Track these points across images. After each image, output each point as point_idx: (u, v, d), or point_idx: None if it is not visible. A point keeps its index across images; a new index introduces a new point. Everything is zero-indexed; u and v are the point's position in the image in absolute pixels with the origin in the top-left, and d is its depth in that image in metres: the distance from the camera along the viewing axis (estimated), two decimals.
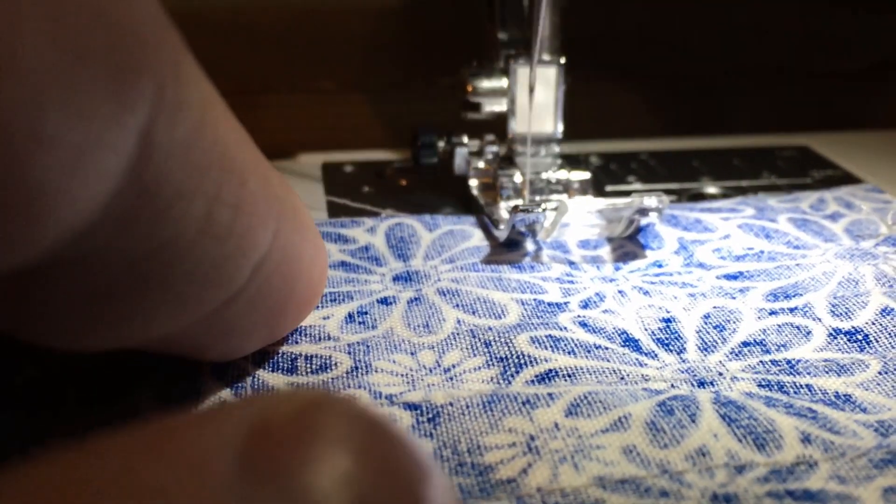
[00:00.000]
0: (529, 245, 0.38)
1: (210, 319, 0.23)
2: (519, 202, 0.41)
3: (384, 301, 0.34)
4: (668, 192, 0.45)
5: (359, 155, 0.51)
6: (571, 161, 0.45)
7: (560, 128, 0.42)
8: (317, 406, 0.14)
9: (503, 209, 0.41)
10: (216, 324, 0.24)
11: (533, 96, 0.39)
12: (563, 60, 0.41)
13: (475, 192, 0.43)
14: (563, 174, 0.42)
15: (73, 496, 0.12)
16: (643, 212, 0.37)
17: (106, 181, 0.17)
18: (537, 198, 0.41)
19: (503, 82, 0.42)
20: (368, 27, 0.53)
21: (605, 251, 0.38)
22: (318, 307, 0.33)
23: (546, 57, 0.41)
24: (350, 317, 0.33)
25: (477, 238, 0.39)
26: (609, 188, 0.46)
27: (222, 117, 0.21)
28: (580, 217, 0.37)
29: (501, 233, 0.38)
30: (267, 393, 0.14)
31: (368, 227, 0.40)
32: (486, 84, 0.42)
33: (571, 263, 0.37)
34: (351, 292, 0.35)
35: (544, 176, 0.42)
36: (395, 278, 0.36)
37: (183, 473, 0.12)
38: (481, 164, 0.43)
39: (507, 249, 0.38)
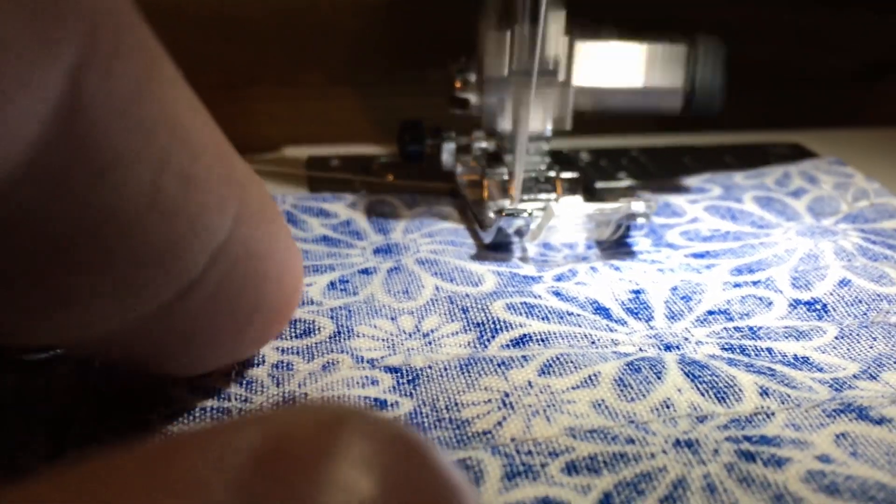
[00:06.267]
0: (516, 250, 0.38)
1: (163, 316, 0.21)
2: (506, 203, 0.40)
3: (365, 271, 0.35)
4: (657, 188, 0.44)
5: (345, 149, 0.50)
6: (561, 157, 0.44)
7: (549, 126, 0.40)
8: (340, 423, 0.13)
9: (490, 211, 0.40)
10: (171, 323, 0.22)
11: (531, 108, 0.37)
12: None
13: (462, 188, 0.42)
14: (552, 172, 0.41)
15: None
16: (631, 217, 0.36)
17: (27, 126, 0.15)
18: (525, 198, 0.40)
19: None
20: (356, 20, 0.53)
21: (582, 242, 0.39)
22: None
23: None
24: (332, 284, 0.34)
25: (455, 218, 0.40)
26: (599, 185, 0.45)
27: (171, 81, 0.19)
28: (568, 221, 0.37)
29: (488, 235, 0.38)
30: (289, 405, 0.13)
31: (350, 203, 0.41)
32: (474, 80, 0.40)
33: (547, 244, 0.38)
34: (333, 264, 0.36)
35: (532, 174, 0.41)
36: (376, 251, 0.37)
37: (177, 501, 0.12)
38: (469, 161, 0.42)
39: (492, 252, 0.37)
